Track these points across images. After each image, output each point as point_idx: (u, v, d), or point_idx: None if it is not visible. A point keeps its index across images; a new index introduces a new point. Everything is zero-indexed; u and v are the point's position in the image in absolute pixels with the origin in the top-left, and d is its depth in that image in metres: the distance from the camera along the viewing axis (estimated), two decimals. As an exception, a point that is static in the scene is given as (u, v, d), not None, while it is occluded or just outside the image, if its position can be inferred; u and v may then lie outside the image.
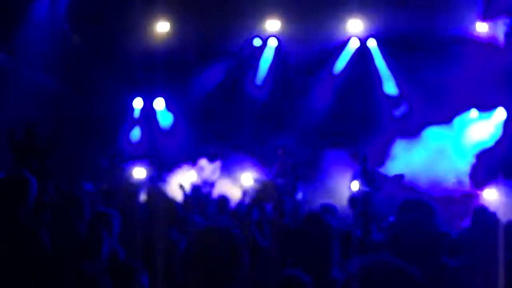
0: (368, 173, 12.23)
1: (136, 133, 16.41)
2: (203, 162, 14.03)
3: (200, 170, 13.95)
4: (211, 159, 13.98)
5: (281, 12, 14.91)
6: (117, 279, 3.94)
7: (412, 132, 14.24)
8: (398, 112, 14.97)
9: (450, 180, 13.39)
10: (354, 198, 11.93)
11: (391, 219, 8.10)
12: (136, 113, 16.54)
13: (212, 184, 13.70)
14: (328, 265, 3.69)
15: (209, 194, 13.19)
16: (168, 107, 16.61)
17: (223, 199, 8.37)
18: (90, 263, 3.64)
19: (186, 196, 9.11)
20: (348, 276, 2.29)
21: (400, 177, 12.08)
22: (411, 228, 3.42)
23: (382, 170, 12.90)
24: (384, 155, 13.89)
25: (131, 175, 13.45)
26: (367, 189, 12.03)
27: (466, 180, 13.48)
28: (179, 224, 5.96)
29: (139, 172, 13.89)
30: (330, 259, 3.72)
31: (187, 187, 12.58)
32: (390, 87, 15.35)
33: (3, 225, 3.99)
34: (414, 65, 14.39)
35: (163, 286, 3.99)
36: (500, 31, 14.00)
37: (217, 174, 13.86)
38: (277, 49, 16.24)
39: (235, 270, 3.04)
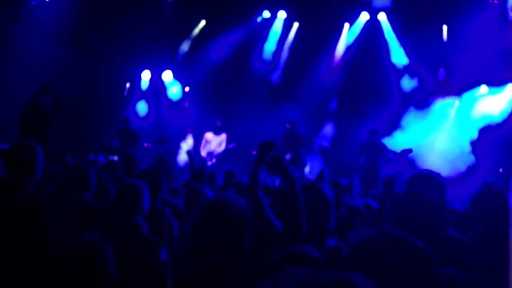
0: (376, 145, 12.19)
1: (143, 106, 16.40)
2: (209, 135, 14.03)
3: (206, 142, 13.97)
4: (217, 132, 13.97)
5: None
6: (138, 253, 3.95)
7: (421, 104, 14.21)
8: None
9: (455, 156, 13.36)
10: (363, 171, 11.91)
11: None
12: (144, 85, 16.50)
13: (217, 157, 13.74)
14: (322, 235, 3.68)
15: (214, 166, 13.24)
16: (176, 79, 16.56)
17: (230, 171, 8.35)
18: (93, 232, 3.62)
19: (194, 164, 9.13)
20: (347, 246, 2.24)
21: (407, 151, 12.02)
22: (418, 201, 3.38)
23: (391, 142, 12.85)
24: (392, 127, 13.89)
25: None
26: (373, 162, 12.00)
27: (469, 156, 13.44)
28: (190, 194, 5.97)
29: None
30: (324, 228, 3.71)
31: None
32: (400, 59, 15.21)
33: (11, 198, 3.84)
34: (425, 37, 14.24)
35: (175, 259, 3.99)
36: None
37: (222, 146, 13.88)
38: (286, 21, 16.13)
39: (241, 242, 3.08)
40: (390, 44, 15.34)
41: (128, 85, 16.39)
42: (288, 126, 13.28)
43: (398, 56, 15.24)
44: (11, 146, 4.27)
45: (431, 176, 4.24)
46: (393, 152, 12.43)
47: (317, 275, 2.47)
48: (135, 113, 16.01)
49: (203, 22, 16.47)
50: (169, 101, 16.60)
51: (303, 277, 2.50)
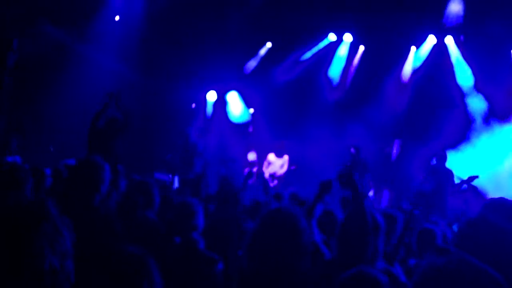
0: (443, 171, 11.89)
1: (207, 126, 16.58)
2: (271, 156, 14.02)
3: (269, 164, 13.97)
4: (279, 154, 13.94)
5: (358, 10, 14.59)
6: (195, 267, 3.95)
7: (489, 127, 13.89)
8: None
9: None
10: (422, 193, 11.63)
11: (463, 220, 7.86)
12: (209, 106, 16.70)
13: (279, 178, 13.70)
14: (371, 258, 3.62)
15: (276, 188, 13.20)
16: (241, 100, 16.69)
17: (294, 195, 8.26)
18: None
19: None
20: (417, 276, 2.16)
21: (474, 178, 11.69)
22: (490, 229, 3.24)
23: (457, 171, 12.53)
24: (457, 153, 13.59)
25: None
26: (434, 186, 11.71)
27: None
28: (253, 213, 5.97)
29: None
30: (369, 251, 3.63)
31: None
32: (467, 81, 14.89)
33: (79, 212, 3.90)
34: (493, 61, 13.91)
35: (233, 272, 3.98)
36: None
37: (284, 168, 13.84)
38: (352, 45, 16.08)
39: (299, 256, 3.04)
40: (457, 67, 15.04)
41: (193, 105, 16.62)
42: (352, 150, 13.15)
43: (466, 79, 14.91)
44: (79, 162, 4.35)
45: (505, 204, 4.08)
46: (460, 178, 12.13)
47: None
48: (199, 132, 16.17)
49: (269, 44, 16.58)
50: (233, 122, 16.72)
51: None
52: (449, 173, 11.87)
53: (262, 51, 16.66)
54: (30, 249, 1.89)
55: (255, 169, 13.70)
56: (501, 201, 4.08)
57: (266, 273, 3.00)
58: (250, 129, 16.45)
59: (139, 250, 2.69)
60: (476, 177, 11.45)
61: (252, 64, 16.67)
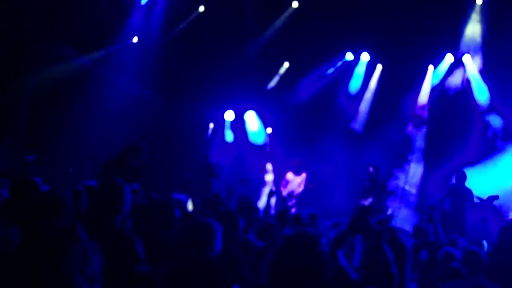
0: (462, 191, 11.83)
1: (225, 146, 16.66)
2: (289, 174, 14.03)
3: (287, 182, 13.96)
4: (297, 172, 13.94)
5: (375, 29, 14.63)
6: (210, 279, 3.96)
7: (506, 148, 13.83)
8: None
9: None
10: (447, 215, 11.56)
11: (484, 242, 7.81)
12: (227, 125, 16.79)
13: (297, 197, 13.68)
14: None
15: (293, 207, 13.20)
16: (259, 119, 16.76)
17: (314, 216, 8.24)
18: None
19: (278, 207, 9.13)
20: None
21: (494, 198, 11.62)
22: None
23: (476, 190, 12.46)
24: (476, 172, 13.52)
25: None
26: (458, 207, 11.64)
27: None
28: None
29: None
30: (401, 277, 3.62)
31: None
32: (484, 100, 14.83)
33: (102, 232, 3.96)
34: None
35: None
36: None
37: (302, 187, 13.82)
38: (369, 64, 16.11)
39: (319, 279, 3.03)
40: (475, 85, 15.00)
41: (211, 125, 16.71)
42: (371, 170, 13.12)
43: (483, 97, 14.86)
44: (100, 184, 4.44)
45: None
46: (480, 198, 12.06)
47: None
48: (218, 152, 16.23)
49: (286, 64, 16.67)
50: (251, 141, 16.78)
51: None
52: (469, 193, 11.82)
53: (281, 71, 16.74)
54: (61, 274, 1.94)
55: (274, 188, 13.70)
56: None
57: None
58: (268, 149, 16.47)
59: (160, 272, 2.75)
60: (496, 197, 11.39)
61: (272, 83, 16.74)
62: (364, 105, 16.23)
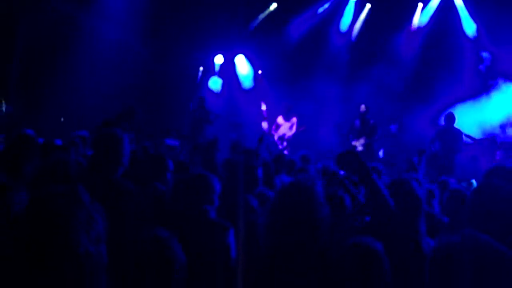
0: (452, 132, 11.91)
1: (216, 85, 16.66)
2: (280, 119, 14.09)
3: (277, 127, 14.03)
4: (287, 116, 13.99)
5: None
6: (207, 236, 3.97)
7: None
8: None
9: None
10: (437, 157, 11.67)
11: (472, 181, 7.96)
12: (217, 69, 16.74)
13: (288, 140, 13.78)
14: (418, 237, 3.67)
15: (285, 149, 13.31)
16: (249, 62, 16.72)
17: (305, 156, 8.32)
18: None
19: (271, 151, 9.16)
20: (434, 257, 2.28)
21: (484, 138, 11.75)
22: (497, 194, 3.28)
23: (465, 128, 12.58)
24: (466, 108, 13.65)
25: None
26: (448, 148, 11.75)
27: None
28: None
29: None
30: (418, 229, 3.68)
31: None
32: (472, 34, 14.82)
33: (102, 185, 3.90)
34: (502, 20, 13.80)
35: (245, 243, 3.98)
36: None
37: (293, 130, 13.90)
38: (358, 4, 15.98)
39: (317, 228, 3.10)
40: (464, 23, 14.95)
41: (201, 69, 16.66)
42: (362, 108, 13.08)
43: (471, 32, 14.84)
44: (98, 135, 4.37)
45: (506, 169, 4.15)
46: (470, 137, 12.19)
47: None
48: (208, 96, 16.23)
49: (274, 5, 16.50)
50: (242, 85, 16.77)
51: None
52: (458, 134, 11.90)
53: (267, 11, 16.56)
54: (67, 236, 2.03)
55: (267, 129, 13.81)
56: (501, 166, 4.18)
57: (283, 248, 3.09)
58: (257, 89, 16.47)
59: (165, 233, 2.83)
60: (487, 137, 11.50)
61: (258, 23, 16.55)
62: (354, 46, 16.14)
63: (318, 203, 3.13)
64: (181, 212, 4.07)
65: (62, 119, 12.97)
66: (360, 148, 12.52)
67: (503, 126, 13.08)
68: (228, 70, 16.81)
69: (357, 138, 12.79)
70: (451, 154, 11.56)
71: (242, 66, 16.79)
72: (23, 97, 13.14)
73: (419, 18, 15.52)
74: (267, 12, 16.54)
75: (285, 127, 13.93)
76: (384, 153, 13.73)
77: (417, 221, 3.70)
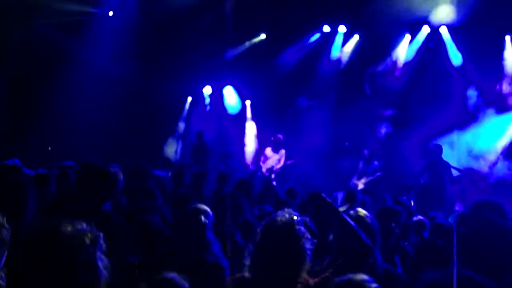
0: (441, 163, 11.94)
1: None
2: (268, 150, 14.09)
3: (265, 158, 14.03)
4: (276, 148, 14.00)
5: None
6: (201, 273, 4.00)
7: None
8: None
9: None
10: (426, 188, 11.68)
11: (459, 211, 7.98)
12: (206, 100, 16.77)
13: (276, 173, 13.76)
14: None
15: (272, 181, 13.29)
16: (237, 94, 16.77)
17: (292, 190, 8.35)
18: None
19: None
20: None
21: (471, 170, 11.80)
22: (484, 222, 3.30)
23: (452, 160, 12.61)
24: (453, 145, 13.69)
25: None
26: (437, 180, 11.77)
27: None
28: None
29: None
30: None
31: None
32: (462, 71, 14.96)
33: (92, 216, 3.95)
34: (487, 49, 13.96)
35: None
36: None
37: (281, 163, 13.89)
38: (347, 35, 16.11)
39: (298, 264, 3.24)
40: (452, 56, 15.09)
41: (189, 99, 16.68)
42: (366, 153, 13.32)
43: (458, 63, 15.00)
44: (96, 169, 4.40)
45: (495, 204, 4.20)
46: (458, 170, 12.24)
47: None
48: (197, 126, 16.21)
49: (263, 36, 16.58)
50: (230, 116, 16.77)
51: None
52: (446, 166, 11.94)
53: (256, 40, 16.64)
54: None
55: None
56: (491, 201, 4.23)
57: (268, 281, 3.18)
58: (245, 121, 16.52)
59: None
60: (474, 169, 11.54)
61: (246, 55, 16.61)
62: (341, 77, 16.18)
63: (299, 234, 3.23)
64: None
65: (49, 148, 12.90)
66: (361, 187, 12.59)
67: (483, 158, 13.13)
68: (216, 100, 16.82)
69: (359, 179, 12.92)
70: (441, 186, 11.59)
71: (231, 96, 16.81)
72: (9, 125, 13.09)
73: (406, 49, 15.64)
74: (253, 41, 16.60)
75: (274, 159, 13.91)
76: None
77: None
